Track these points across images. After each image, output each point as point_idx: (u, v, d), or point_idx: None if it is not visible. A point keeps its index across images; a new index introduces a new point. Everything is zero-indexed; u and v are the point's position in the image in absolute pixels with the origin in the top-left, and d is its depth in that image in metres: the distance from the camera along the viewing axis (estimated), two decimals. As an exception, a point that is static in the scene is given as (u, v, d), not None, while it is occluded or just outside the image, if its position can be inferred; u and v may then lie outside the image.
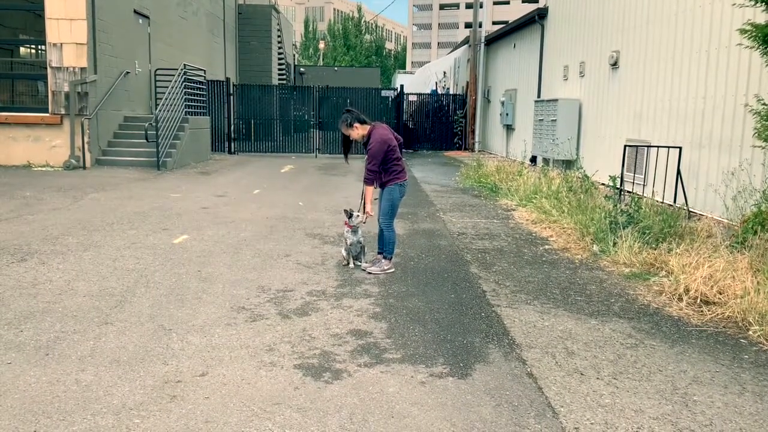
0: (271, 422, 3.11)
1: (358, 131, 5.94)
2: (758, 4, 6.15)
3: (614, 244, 6.75)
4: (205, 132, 17.56)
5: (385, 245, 6.04)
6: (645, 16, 10.62)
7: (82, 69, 13.42)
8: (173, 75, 15.60)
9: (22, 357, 3.81)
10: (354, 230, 6.07)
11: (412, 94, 24.59)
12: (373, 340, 4.24)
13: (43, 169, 13.33)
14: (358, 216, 6.07)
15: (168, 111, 14.56)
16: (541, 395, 3.48)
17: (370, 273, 5.92)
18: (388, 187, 6.00)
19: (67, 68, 13.40)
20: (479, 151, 22.39)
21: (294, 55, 38.44)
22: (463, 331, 4.48)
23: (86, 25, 13.32)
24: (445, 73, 28.24)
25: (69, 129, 13.47)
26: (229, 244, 7.02)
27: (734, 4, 6.60)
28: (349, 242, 6.09)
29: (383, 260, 6.05)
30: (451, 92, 25.73)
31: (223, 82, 20.29)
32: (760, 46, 6.12)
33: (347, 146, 6.22)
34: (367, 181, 5.94)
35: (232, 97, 20.13)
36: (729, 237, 6.54)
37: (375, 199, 6.12)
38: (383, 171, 5.95)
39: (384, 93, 21.97)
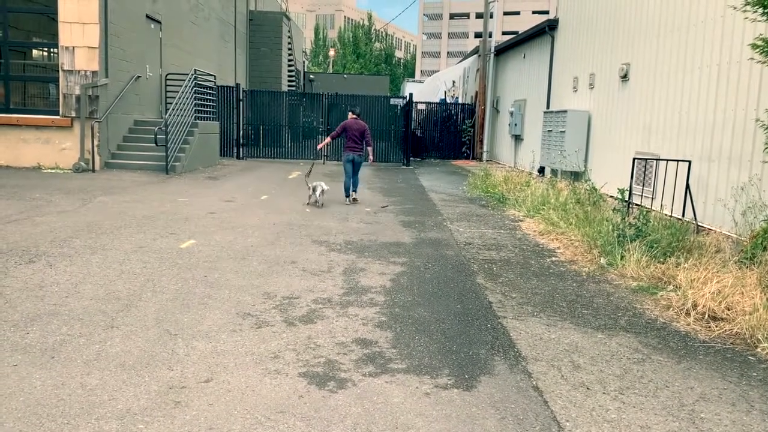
0: (274, 430, 3.11)
1: (349, 116, 11.26)
2: (770, 19, 6.12)
3: (622, 257, 6.71)
4: (214, 137, 17.64)
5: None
6: (656, 29, 10.61)
7: (94, 72, 13.52)
8: (184, 80, 15.72)
9: (27, 359, 3.82)
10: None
11: (421, 102, 24.61)
12: (378, 350, 4.22)
13: (53, 171, 13.42)
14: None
15: (178, 116, 14.65)
16: (546, 409, 3.46)
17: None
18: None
19: (79, 71, 13.51)
20: (487, 160, 22.38)
21: (304, 62, 38.56)
22: (469, 342, 4.46)
23: (98, 29, 13.44)
24: (454, 82, 28.26)
25: (79, 132, 13.57)
26: (236, 249, 7.04)
27: (746, 18, 6.58)
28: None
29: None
30: (459, 101, 25.75)
31: (233, 87, 20.38)
32: (772, 62, 6.09)
33: None
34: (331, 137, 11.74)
35: (241, 102, 20.20)
36: (738, 252, 6.50)
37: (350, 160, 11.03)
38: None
39: (393, 101, 22.02)
